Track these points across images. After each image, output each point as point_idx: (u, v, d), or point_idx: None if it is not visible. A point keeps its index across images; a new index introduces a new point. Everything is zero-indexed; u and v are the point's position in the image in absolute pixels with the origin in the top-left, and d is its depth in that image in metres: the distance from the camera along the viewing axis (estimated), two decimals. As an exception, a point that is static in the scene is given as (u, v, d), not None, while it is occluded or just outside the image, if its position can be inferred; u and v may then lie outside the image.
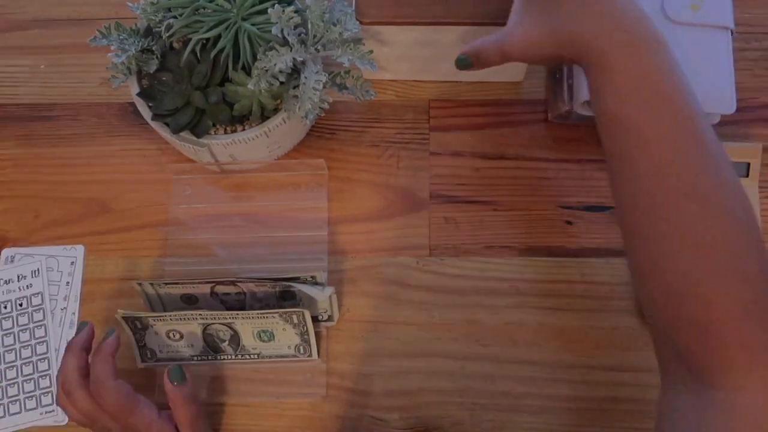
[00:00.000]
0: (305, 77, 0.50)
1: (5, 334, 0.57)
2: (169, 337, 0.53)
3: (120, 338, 0.50)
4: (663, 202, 0.38)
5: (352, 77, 0.55)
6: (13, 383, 0.55)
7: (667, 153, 0.38)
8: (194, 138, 0.53)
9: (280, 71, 0.50)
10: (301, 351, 0.53)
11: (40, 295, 0.58)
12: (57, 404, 0.49)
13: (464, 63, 0.49)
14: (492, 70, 0.59)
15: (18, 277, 0.58)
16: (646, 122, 0.39)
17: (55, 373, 0.56)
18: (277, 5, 0.49)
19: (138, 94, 0.54)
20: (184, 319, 0.52)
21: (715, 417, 0.37)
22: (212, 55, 0.51)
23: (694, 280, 0.37)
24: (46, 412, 0.55)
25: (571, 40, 0.41)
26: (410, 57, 0.59)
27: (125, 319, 0.52)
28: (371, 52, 0.52)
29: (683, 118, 0.39)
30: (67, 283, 0.58)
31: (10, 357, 0.56)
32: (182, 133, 0.53)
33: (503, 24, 0.47)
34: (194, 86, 0.53)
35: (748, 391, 0.36)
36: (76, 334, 0.50)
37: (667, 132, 0.39)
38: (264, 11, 0.50)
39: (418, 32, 0.55)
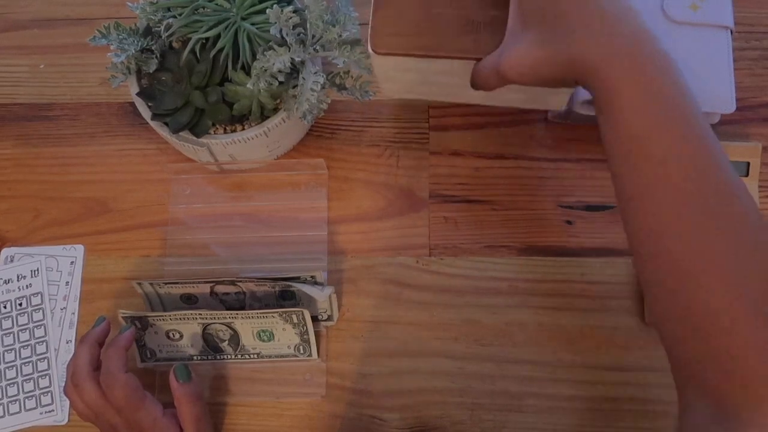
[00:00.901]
0: (303, 77, 0.50)
1: (5, 334, 0.57)
2: (168, 337, 0.53)
3: (134, 335, 0.51)
4: (686, 229, 0.36)
5: (351, 77, 0.55)
6: (13, 383, 0.56)
7: (686, 178, 0.36)
8: (194, 138, 0.53)
9: (279, 71, 0.50)
10: (301, 351, 0.53)
11: (39, 295, 0.58)
12: (64, 393, 0.50)
13: (473, 84, 0.47)
14: (533, 98, 0.51)
15: (18, 276, 0.58)
16: (660, 142, 0.37)
17: (55, 372, 0.56)
18: (276, 5, 0.49)
19: (137, 94, 0.54)
20: (184, 318, 0.52)
21: None
22: (212, 54, 0.51)
23: (720, 313, 0.35)
24: (46, 412, 0.55)
25: (574, 63, 0.39)
26: (430, 83, 0.51)
27: (125, 318, 0.52)
28: (367, 55, 0.52)
29: (696, 135, 0.37)
30: (67, 282, 0.58)
31: (9, 357, 0.56)
32: (182, 133, 0.53)
33: None
34: (194, 86, 0.53)
35: None
36: (93, 327, 0.51)
37: (683, 151, 0.37)
38: (263, 11, 0.50)
39: (442, 63, 0.47)
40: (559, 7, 0.39)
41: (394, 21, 0.45)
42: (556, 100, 0.51)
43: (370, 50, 0.46)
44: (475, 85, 0.46)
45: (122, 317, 0.51)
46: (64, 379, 0.51)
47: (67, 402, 0.55)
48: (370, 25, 0.46)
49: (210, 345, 0.54)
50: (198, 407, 0.50)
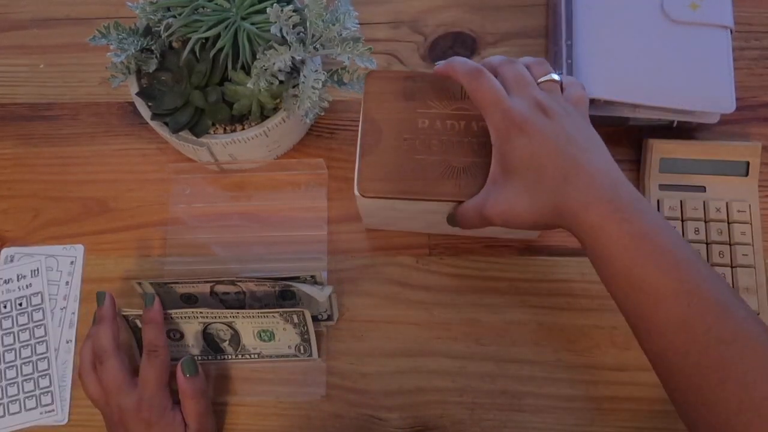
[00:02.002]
0: (304, 76, 0.50)
1: (5, 334, 0.57)
2: (169, 337, 0.53)
3: (161, 305, 0.51)
4: (691, 352, 0.38)
5: (348, 72, 0.55)
6: (13, 383, 0.55)
7: (682, 307, 0.38)
8: (193, 137, 0.53)
9: (279, 70, 0.50)
10: (302, 350, 0.53)
11: (39, 295, 0.58)
12: (79, 376, 0.50)
13: (451, 222, 0.50)
14: (503, 229, 0.53)
15: (18, 276, 0.58)
16: (653, 280, 0.39)
17: (55, 372, 0.56)
18: (275, 4, 0.49)
19: (137, 94, 0.54)
20: (185, 318, 0.52)
21: None
22: (211, 54, 0.51)
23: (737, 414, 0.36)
24: (46, 412, 0.55)
25: (558, 213, 0.42)
26: (411, 219, 0.55)
27: (125, 318, 0.52)
28: (370, 49, 0.52)
29: (687, 269, 0.39)
30: (67, 282, 0.58)
31: (9, 356, 0.56)
32: (181, 133, 0.53)
33: None
34: (193, 86, 0.53)
35: None
36: (100, 304, 0.51)
37: (676, 286, 0.38)
38: (263, 10, 0.50)
39: (424, 204, 0.50)
40: (538, 161, 0.42)
41: (380, 166, 0.48)
42: (531, 231, 0.55)
43: (356, 193, 0.48)
44: (456, 223, 0.49)
45: (123, 316, 0.52)
46: (79, 366, 0.51)
47: (68, 402, 0.55)
48: (357, 170, 0.49)
49: (210, 345, 0.54)
50: (202, 403, 0.50)
